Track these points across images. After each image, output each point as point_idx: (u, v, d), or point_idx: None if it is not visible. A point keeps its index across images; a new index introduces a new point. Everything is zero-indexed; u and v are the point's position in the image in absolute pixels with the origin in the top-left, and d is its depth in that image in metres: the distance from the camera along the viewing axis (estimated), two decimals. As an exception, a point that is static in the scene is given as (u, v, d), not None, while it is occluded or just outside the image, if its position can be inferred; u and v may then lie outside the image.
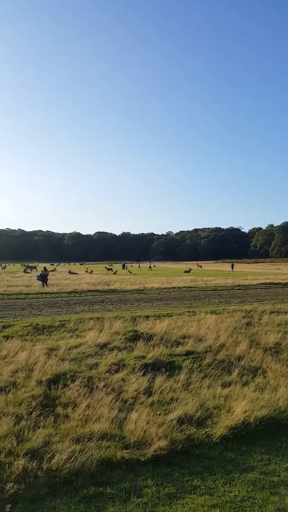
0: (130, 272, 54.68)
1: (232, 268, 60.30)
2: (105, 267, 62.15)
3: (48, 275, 28.91)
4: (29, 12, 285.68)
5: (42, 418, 5.38)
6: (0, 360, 7.92)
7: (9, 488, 3.90)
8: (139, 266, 75.71)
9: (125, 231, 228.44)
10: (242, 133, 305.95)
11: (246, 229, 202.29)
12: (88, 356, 8.37)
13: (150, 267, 70.77)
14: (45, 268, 30.21)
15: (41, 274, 28.27)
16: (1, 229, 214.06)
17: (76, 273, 50.37)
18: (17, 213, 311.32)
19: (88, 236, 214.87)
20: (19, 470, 4.15)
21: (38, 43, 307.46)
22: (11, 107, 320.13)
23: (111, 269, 56.49)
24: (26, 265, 73.37)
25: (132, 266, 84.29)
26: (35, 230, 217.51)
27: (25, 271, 54.66)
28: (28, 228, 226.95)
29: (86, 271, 54.98)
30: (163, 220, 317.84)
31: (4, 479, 4.04)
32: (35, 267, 64.80)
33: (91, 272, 53.48)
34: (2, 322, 12.08)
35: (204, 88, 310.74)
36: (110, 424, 5.18)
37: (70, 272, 51.63)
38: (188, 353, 8.58)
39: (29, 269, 59.94)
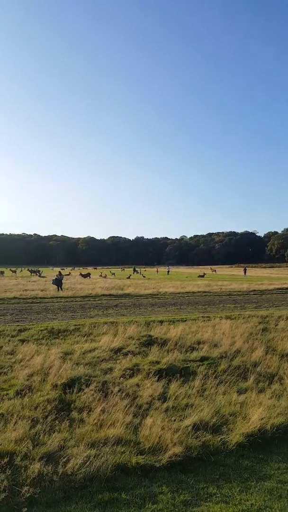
0: (144, 277, 54.69)
1: (245, 272, 59.66)
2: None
3: (62, 279, 29.14)
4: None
5: (57, 422, 5.41)
6: (16, 363, 8.00)
7: (24, 492, 3.92)
8: (157, 271, 75.56)
9: (139, 235, 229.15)
10: (257, 135, 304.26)
11: (261, 233, 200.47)
12: (102, 360, 8.39)
13: (168, 271, 70.67)
14: (60, 272, 30.46)
15: (56, 278, 28.51)
16: (17, 234, 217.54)
17: (89, 274, 51.04)
18: (32, 218, 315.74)
19: (102, 240, 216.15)
20: (35, 474, 4.17)
21: (37, 51, 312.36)
22: (30, 114, 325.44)
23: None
24: (30, 269, 74.51)
25: (145, 270, 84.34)
26: (50, 234, 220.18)
27: (40, 275, 55.46)
28: (43, 233, 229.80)
29: (101, 275, 55.24)
30: (176, 225, 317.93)
31: (20, 483, 4.07)
32: (39, 271, 66.42)
33: (105, 276, 53.70)
34: (18, 326, 12.22)
35: (216, 88, 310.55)
36: (125, 429, 5.17)
37: (81, 275, 52.00)
38: (203, 359, 8.52)
39: (33, 273, 61.11)
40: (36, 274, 61.61)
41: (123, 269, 75.64)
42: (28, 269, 73.70)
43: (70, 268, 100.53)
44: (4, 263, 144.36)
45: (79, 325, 12.28)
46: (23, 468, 4.29)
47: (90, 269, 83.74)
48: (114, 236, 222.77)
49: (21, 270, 71.04)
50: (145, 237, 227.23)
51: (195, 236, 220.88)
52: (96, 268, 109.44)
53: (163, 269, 78.29)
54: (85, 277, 49.11)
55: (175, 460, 4.65)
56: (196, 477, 4.44)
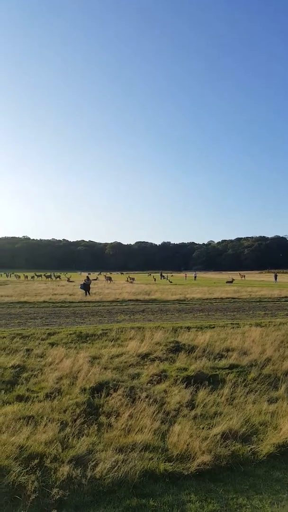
0: (171, 282, 54.52)
1: (276, 278, 58.24)
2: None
3: (90, 284, 29.49)
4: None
5: (86, 426, 5.46)
6: (46, 366, 8.15)
7: (54, 493, 3.98)
8: (185, 276, 75.19)
9: (165, 240, 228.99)
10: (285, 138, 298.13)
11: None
12: (130, 365, 8.41)
13: (195, 276, 70.19)
14: (87, 277, 30.85)
15: (83, 283, 28.90)
16: (47, 240, 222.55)
17: (110, 278, 55.96)
18: (61, 224, 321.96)
19: (129, 245, 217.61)
20: (64, 476, 4.23)
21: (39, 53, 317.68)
22: (63, 121, 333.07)
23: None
24: (45, 274, 76.60)
25: (172, 275, 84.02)
26: (78, 240, 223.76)
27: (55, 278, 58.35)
28: (71, 238, 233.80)
29: (127, 280, 55.51)
30: (204, 229, 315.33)
31: (49, 484, 4.13)
32: (51, 276, 70.24)
33: (132, 281, 53.91)
34: (47, 329, 12.45)
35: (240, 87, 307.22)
36: (152, 435, 5.16)
37: (106, 277, 57.39)
38: (232, 367, 8.38)
39: (48, 278, 63.59)
40: (51, 278, 64.11)
41: (150, 274, 75.51)
42: (44, 274, 75.86)
43: (97, 273, 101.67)
44: (35, 267, 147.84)
45: (107, 329, 12.38)
46: (53, 470, 4.35)
47: (117, 274, 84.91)
48: (140, 241, 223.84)
49: (33, 276, 73.57)
50: (172, 242, 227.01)
51: (223, 241, 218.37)
52: (122, 273, 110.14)
53: (191, 275, 77.56)
54: (107, 280, 54.40)
55: (203, 468, 4.59)
56: (225, 487, 4.36)
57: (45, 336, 11.30)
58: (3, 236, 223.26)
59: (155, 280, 55.88)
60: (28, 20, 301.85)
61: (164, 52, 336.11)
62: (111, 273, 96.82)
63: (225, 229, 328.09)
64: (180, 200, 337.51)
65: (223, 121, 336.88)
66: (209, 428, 5.42)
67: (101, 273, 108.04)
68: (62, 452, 4.69)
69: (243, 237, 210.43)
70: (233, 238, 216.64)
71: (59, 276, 68.25)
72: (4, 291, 31.32)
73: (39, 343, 10.39)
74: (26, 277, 71.18)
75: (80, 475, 4.25)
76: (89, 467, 4.37)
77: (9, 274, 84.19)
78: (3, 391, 6.77)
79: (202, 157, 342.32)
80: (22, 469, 4.24)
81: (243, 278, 71.05)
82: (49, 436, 4.98)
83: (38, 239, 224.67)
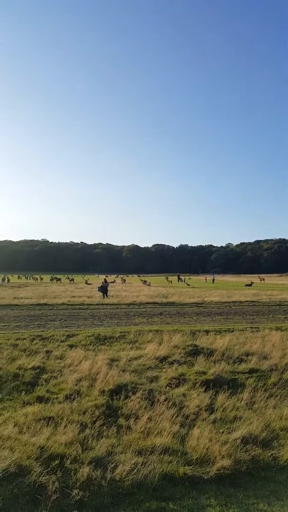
0: (188, 285, 54.27)
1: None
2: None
3: (108, 286, 29.64)
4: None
5: (105, 428, 5.50)
6: (65, 368, 8.24)
7: (75, 494, 4.02)
8: (205, 279, 74.31)
9: (183, 243, 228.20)
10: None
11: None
12: (148, 368, 8.42)
13: (213, 279, 69.54)
14: (105, 279, 31.03)
15: (101, 285, 29.07)
16: (65, 242, 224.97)
17: (124, 280, 60.66)
18: (80, 227, 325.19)
19: (146, 248, 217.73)
20: (84, 477, 4.26)
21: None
22: (79, 124, 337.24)
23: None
24: (52, 276, 78.22)
25: (190, 278, 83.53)
26: (96, 243, 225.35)
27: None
28: (89, 241, 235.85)
29: (145, 283, 55.54)
30: (222, 232, 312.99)
31: (70, 485, 4.17)
32: (60, 279, 73.07)
33: (149, 284, 53.90)
34: (66, 331, 12.59)
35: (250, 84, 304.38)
36: (171, 438, 5.15)
37: (122, 280, 61.36)
38: (251, 371, 8.29)
39: (52, 280, 66.58)
40: (57, 280, 67.32)
41: (167, 277, 75.15)
42: (51, 276, 77.79)
43: (115, 276, 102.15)
44: (53, 270, 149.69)
45: (125, 332, 12.41)
46: (73, 471, 4.40)
47: (133, 277, 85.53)
48: (158, 244, 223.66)
49: (41, 278, 76.77)
50: (189, 245, 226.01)
51: (242, 243, 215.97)
52: (139, 276, 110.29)
53: (210, 277, 76.51)
54: (123, 282, 58.17)
55: (223, 473, 4.56)
56: (245, 492, 4.32)
57: (64, 338, 11.42)
58: (22, 239, 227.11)
59: (171, 282, 55.68)
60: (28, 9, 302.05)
61: (166, 52, 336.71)
62: (126, 276, 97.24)
63: (244, 232, 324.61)
64: (198, 203, 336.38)
65: (243, 118, 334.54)
66: (228, 433, 5.38)
67: (118, 275, 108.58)
68: (82, 453, 4.73)
69: (262, 239, 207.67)
70: (252, 240, 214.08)
71: (73, 279, 69.64)
72: (24, 293, 31.81)
73: (58, 345, 10.50)
74: (36, 279, 73.84)
75: (100, 477, 4.28)
76: (108, 469, 4.40)
77: (28, 277, 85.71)
78: (23, 392, 6.89)
79: (221, 159, 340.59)
80: (43, 470, 4.30)
81: (262, 281, 70.04)
82: (69, 437, 5.03)
83: (57, 242, 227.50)
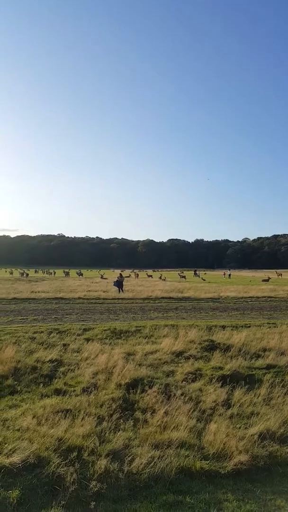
0: (204, 280, 54.00)
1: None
2: None
3: (123, 281, 29.74)
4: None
5: (122, 421, 5.53)
6: (82, 361, 8.32)
7: (92, 486, 4.07)
8: (224, 274, 72.95)
9: (198, 238, 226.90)
10: None
11: None
12: (164, 363, 8.43)
13: (229, 275, 68.67)
14: (120, 274, 31.14)
15: (117, 280, 29.19)
16: (81, 237, 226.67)
17: (137, 274, 62.97)
18: (95, 222, 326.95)
19: (161, 243, 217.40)
20: (102, 470, 4.31)
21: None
22: (94, 120, 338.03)
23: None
24: (45, 270, 79.37)
25: (205, 273, 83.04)
26: (111, 237, 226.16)
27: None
28: (105, 236, 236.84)
29: (160, 278, 55.54)
30: (238, 227, 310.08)
31: (87, 477, 4.22)
32: (53, 272, 75.44)
33: (165, 279, 53.86)
34: (83, 325, 12.70)
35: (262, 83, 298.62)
36: (188, 433, 5.15)
37: (135, 274, 63.95)
38: (269, 367, 8.21)
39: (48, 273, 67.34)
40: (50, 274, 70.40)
41: (182, 272, 74.71)
42: (43, 271, 79.60)
43: (130, 271, 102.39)
44: (69, 264, 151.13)
45: (140, 326, 12.45)
46: (91, 463, 4.45)
47: (150, 272, 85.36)
48: (173, 239, 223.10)
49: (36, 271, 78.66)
50: (205, 240, 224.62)
51: (259, 238, 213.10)
52: (154, 271, 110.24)
53: (227, 273, 74.70)
54: (136, 277, 59.06)
55: (240, 468, 4.55)
56: (263, 488, 4.30)
57: (80, 331, 11.52)
58: (39, 234, 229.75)
59: (185, 278, 55.37)
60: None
61: (167, 49, 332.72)
62: (140, 271, 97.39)
63: (261, 226, 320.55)
64: (214, 197, 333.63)
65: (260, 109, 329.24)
66: (245, 428, 5.35)
67: (134, 270, 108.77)
68: (99, 446, 4.78)
69: (280, 234, 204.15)
70: (269, 235, 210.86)
71: (81, 273, 70.37)
72: (41, 287, 32.23)
73: (75, 339, 10.61)
74: (50, 273, 75.67)
75: (117, 469, 4.32)
76: (126, 462, 4.44)
77: (44, 271, 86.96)
78: (41, 385, 6.99)
79: (239, 152, 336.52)
80: (61, 461, 4.36)
81: (280, 276, 69.04)
82: (87, 429, 5.09)
83: (73, 236, 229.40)
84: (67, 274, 69.46)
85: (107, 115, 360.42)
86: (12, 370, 7.55)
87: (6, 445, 4.58)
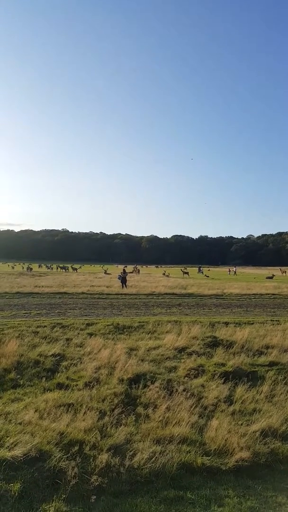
0: (207, 276, 53.90)
1: None
2: None
3: (126, 276, 29.74)
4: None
5: (123, 416, 5.54)
6: (84, 356, 8.34)
7: (93, 480, 4.08)
8: (229, 271, 72.28)
9: (202, 234, 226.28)
10: None
11: None
12: (166, 358, 8.42)
13: (235, 272, 68.22)
14: (124, 270, 31.13)
15: (120, 275, 29.19)
16: (85, 232, 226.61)
17: (138, 270, 62.66)
18: (99, 217, 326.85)
19: (165, 239, 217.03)
20: (103, 464, 4.32)
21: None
22: (102, 117, 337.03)
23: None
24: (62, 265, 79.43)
25: (209, 270, 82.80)
26: (115, 233, 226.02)
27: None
28: (109, 231, 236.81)
29: (164, 274, 55.48)
30: (243, 224, 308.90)
31: (89, 471, 4.23)
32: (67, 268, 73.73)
33: (168, 275, 53.80)
34: (86, 320, 12.72)
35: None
36: (190, 429, 5.15)
37: (136, 270, 62.59)
38: (271, 364, 8.19)
39: (49, 269, 67.15)
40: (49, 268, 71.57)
41: (185, 268, 74.39)
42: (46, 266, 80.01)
43: (133, 266, 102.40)
44: (73, 259, 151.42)
45: (143, 322, 12.45)
46: (92, 457, 4.46)
47: (151, 267, 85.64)
48: (177, 235, 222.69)
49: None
50: (209, 236, 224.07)
51: (263, 235, 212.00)
52: (157, 267, 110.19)
53: (234, 269, 73.68)
54: (137, 273, 58.75)
55: (241, 464, 4.54)
56: (264, 484, 4.29)
57: (83, 326, 11.54)
58: (44, 228, 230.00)
59: (188, 274, 55.21)
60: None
61: (169, 47, 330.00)
62: (141, 266, 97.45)
63: (265, 223, 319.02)
64: (218, 194, 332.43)
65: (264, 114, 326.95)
66: (247, 425, 5.34)
67: (136, 266, 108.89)
68: (100, 440, 4.79)
69: (284, 231, 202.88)
70: (274, 232, 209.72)
71: (76, 269, 70.88)
72: (44, 281, 32.29)
73: (78, 333, 10.62)
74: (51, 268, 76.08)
75: (118, 464, 4.33)
76: (127, 457, 4.44)
77: (50, 266, 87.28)
78: (44, 379, 7.01)
79: (244, 147, 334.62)
80: (63, 455, 4.37)
81: (284, 274, 68.76)
82: (88, 424, 5.10)
83: (76, 231, 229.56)
84: (65, 268, 70.10)
85: (110, 109, 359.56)
86: (15, 363, 7.57)
87: (8, 439, 4.59)
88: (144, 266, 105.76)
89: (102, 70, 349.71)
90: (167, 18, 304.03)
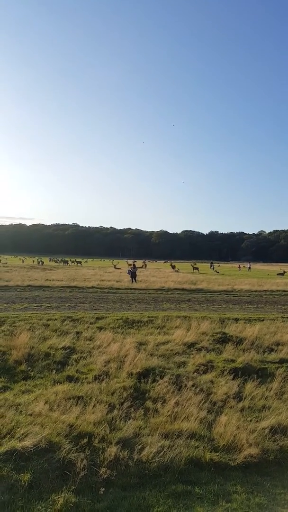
0: (218, 272, 53.64)
1: None
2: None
3: (136, 271, 29.77)
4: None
5: (132, 409, 5.57)
6: (94, 349, 8.39)
7: (102, 473, 4.12)
8: (239, 267, 71.79)
9: (213, 230, 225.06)
10: None
11: None
12: (175, 354, 8.43)
13: (249, 268, 67.50)
14: (134, 264, 31.16)
15: (130, 270, 29.24)
16: (95, 227, 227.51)
17: (146, 265, 61.46)
18: (110, 212, 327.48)
19: (175, 234, 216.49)
20: (112, 457, 4.35)
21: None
22: (105, 114, 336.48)
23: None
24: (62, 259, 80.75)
25: (219, 266, 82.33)
26: (125, 228, 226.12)
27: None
28: (119, 226, 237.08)
29: (171, 266, 55.45)
30: (254, 219, 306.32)
31: (98, 464, 4.27)
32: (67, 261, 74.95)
33: (178, 270, 53.68)
34: (96, 313, 12.77)
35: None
36: (198, 424, 5.16)
37: (144, 265, 62.31)
38: (282, 361, 8.14)
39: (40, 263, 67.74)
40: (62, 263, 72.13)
41: (195, 263, 74.02)
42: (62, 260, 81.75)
43: (142, 261, 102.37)
44: (83, 254, 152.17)
45: (153, 317, 12.45)
46: (101, 450, 4.50)
47: (161, 262, 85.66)
48: (187, 230, 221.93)
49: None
50: (219, 232, 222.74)
51: (275, 231, 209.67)
52: (166, 262, 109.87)
53: (245, 266, 72.64)
54: (145, 267, 57.81)
55: (250, 461, 4.53)
56: (272, 481, 4.28)
57: (93, 320, 11.59)
58: (54, 223, 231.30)
59: (198, 269, 54.91)
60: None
61: (169, 46, 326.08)
62: (149, 261, 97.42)
63: (277, 219, 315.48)
64: (229, 189, 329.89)
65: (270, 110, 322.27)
66: (256, 421, 5.33)
67: (145, 260, 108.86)
68: (109, 433, 4.82)
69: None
70: (285, 228, 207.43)
71: (80, 262, 71.79)
72: (55, 275, 32.51)
73: (88, 327, 10.68)
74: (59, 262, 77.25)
75: (127, 457, 4.36)
76: (135, 450, 4.47)
77: (58, 260, 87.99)
78: (54, 371, 7.08)
79: (255, 141, 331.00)
80: (72, 447, 4.42)
81: (295, 270, 67.91)
82: (98, 417, 5.14)
83: (87, 226, 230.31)
84: (65, 262, 71.23)
85: (122, 103, 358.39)
86: (26, 356, 7.65)
87: (18, 429, 4.66)
88: (153, 261, 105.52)
89: (114, 60, 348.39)
90: (168, 19, 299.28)
